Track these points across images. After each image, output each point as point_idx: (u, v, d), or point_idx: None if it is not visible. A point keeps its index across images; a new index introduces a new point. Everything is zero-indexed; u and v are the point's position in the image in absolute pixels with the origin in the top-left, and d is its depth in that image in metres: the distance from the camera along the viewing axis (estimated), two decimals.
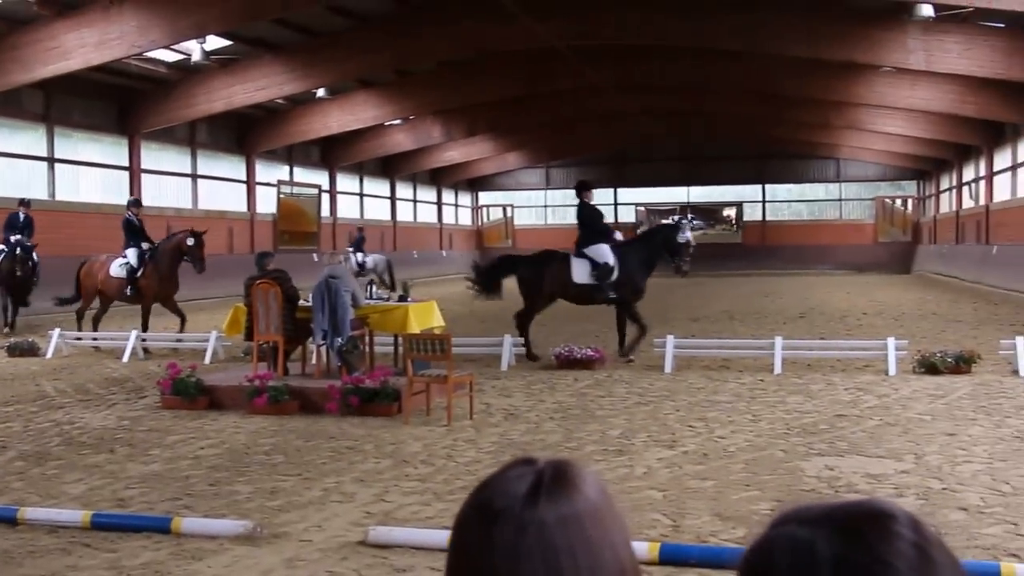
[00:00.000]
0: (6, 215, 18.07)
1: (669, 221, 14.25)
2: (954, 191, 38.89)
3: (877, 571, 0.77)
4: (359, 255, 28.01)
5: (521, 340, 12.66)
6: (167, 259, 14.60)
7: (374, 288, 11.03)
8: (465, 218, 51.23)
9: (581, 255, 12.66)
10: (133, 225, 15.19)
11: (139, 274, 14.56)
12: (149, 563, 4.84)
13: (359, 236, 29.66)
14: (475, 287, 13.48)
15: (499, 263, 13.57)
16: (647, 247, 12.90)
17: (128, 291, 14.62)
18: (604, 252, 12.51)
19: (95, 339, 14.78)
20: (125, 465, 7.08)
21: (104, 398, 10.20)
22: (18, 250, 17.12)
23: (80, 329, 15.16)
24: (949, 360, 10.82)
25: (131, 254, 14.83)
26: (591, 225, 12.88)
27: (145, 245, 14.94)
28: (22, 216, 17.71)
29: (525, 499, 0.91)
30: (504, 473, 0.96)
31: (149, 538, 5.19)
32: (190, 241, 14.53)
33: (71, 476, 6.77)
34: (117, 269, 14.80)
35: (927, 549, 0.80)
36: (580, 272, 12.53)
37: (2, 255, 17.19)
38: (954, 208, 38.45)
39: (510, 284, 13.40)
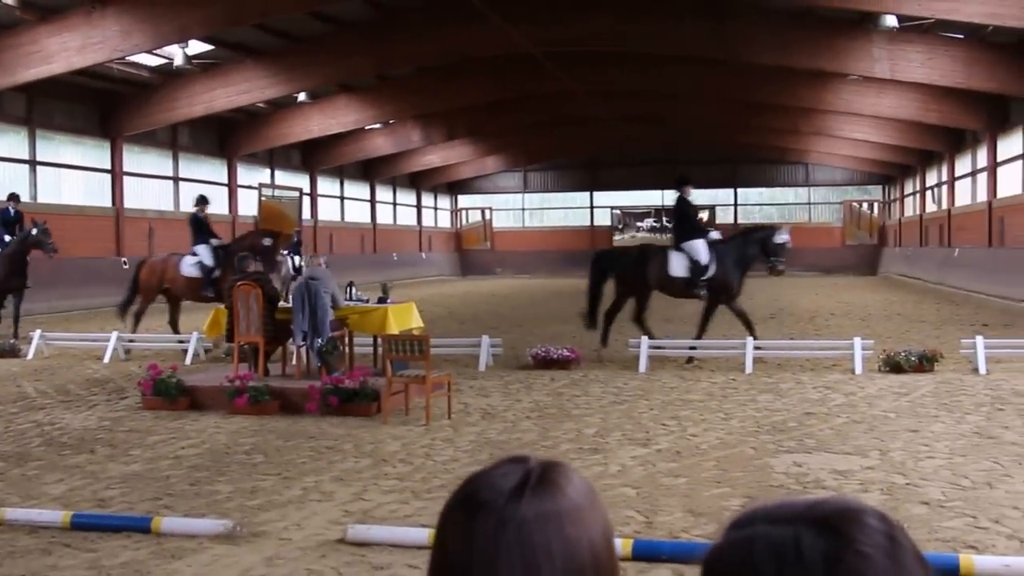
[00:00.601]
0: None
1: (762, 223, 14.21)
2: (918, 195, 39.28)
3: (860, 563, 0.78)
4: (295, 258, 26.57)
5: (495, 342, 12.61)
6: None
7: (354, 290, 10.97)
8: (444, 221, 51.17)
9: (679, 249, 12.65)
10: (201, 222, 14.59)
11: (215, 273, 13.90)
12: (129, 562, 4.79)
13: (297, 240, 27.27)
14: (586, 308, 13.12)
15: (597, 260, 13.31)
16: (743, 247, 12.79)
17: (209, 291, 13.93)
18: (700, 249, 12.48)
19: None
20: (106, 465, 7.00)
21: (85, 399, 10.08)
22: (34, 230, 15.81)
23: (134, 330, 14.34)
24: (913, 359, 10.93)
25: (203, 252, 14.17)
26: (689, 220, 12.92)
27: (215, 242, 14.41)
28: (12, 211, 16.82)
29: (510, 494, 0.91)
30: (494, 468, 0.96)
31: (129, 538, 5.14)
32: (266, 241, 14.08)
33: (51, 477, 6.68)
34: (190, 268, 14.11)
35: (896, 536, 0.81)
36: (678, 266, 12.53)
37: None
38: (918, 212, 38.85)
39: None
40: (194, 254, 14.30)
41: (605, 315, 12.93)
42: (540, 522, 0.90)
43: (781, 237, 12.78)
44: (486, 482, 0.94)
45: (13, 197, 17.22)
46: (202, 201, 15.18)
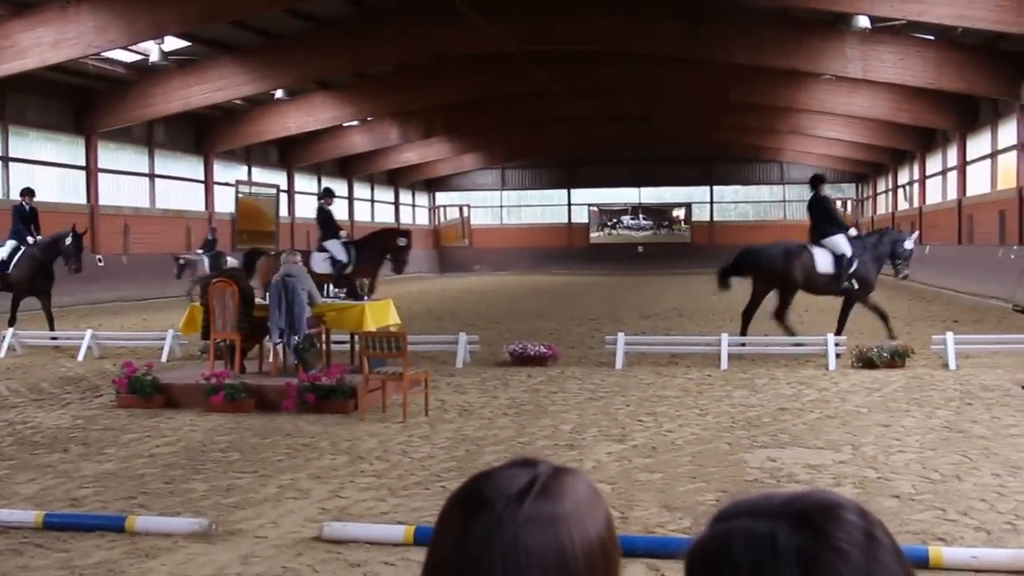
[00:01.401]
0: (11, 208, 15.88)
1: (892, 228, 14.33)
2: (890, 193, 39.64)
3: (835, 559, 0.78)
4: (205, 258, 23.28)
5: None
6: (375, 256, 13.70)
7: (330, 287, 10.91)
8: (422, 218, 51.05)
9: (820, 246, 12.69)
10: (328, 216, 14.12)
11: (348, 269, 13.47)
12: (102, 562, 4.73)
13: (211, 238, 24.73)
14: (720, 282, 13.30)
15: (741, 258, 13.33)
16: (878, 245, 12.94)
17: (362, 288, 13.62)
18: (843, 244, 12.59)
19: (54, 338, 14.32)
20: (79, 464, 6.92)
21: (58, 397, 9.96)
22: (68, 239, 14.87)
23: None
24: (885, 355, 11.01)
25: (334, 247, 13.70)
26: (829, 216, 13.01)
27: (343, 234, 14.03)
28: (27, 207, 15.42)
29: (513, 497, 0.90)
30: (503, 469, 0.95)
31: (102, 537, 5.07)
32: (401, 241, 13.84)
33: (23, 476, 6.59)
34: (321, 264, 13.56)
35: (874, 532, 0.81)
36: (824, 262, 12.60)
37: (19, 253, 14.95)
38: (890, 210, 39.20)
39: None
40: (325, 250, 13.74)
41: (743, 313, 12.98)
42: (536, 527, 0.89)
43: (910, 243, 13.13)
44: (492, 482, 0.93)
45: (27, 192, 15.81)
46: (328, 194, 14.45)
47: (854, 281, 12.56)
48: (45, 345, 14.16)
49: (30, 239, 14.99)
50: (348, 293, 12.80)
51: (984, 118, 26.99)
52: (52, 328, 14.81)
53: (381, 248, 13.98)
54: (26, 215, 15.35)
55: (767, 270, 12.88)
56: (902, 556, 0.83)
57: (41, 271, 14.91)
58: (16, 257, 14.72)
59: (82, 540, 5.04)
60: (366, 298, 10.78)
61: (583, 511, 0.91)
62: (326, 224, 14.21)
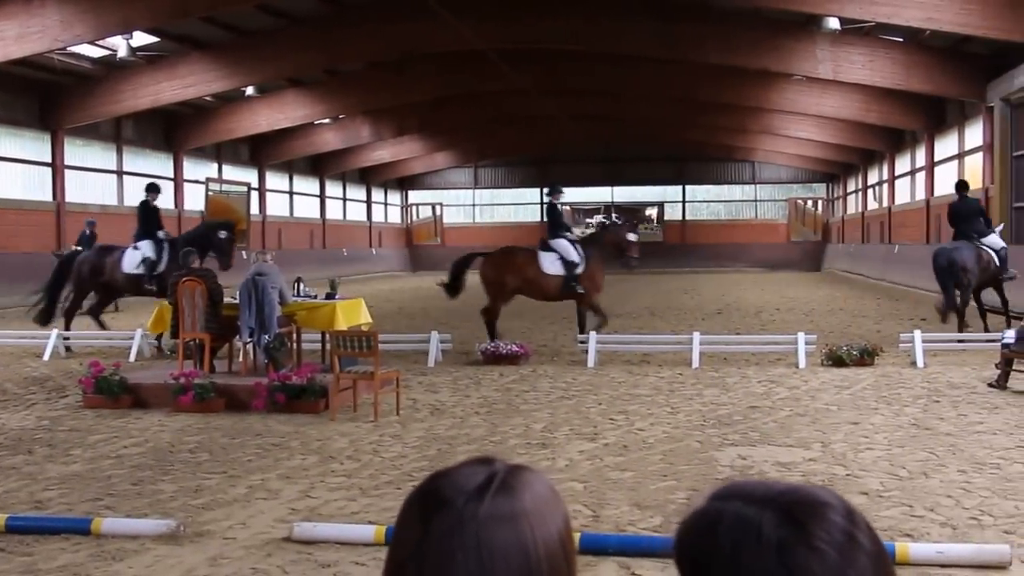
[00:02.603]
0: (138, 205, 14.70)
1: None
2: (860, 193, 40.05)
3: (811, 557, 0.81)
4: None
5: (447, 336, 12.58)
6: (606, 254, 13.30)
7: (302, 285, 10.85)
8: (394, 216, 50.90)
9: (979, 244, 13.50)
10: (558, 213, 13.49)
11: (579, 269, 12.88)
12: (67, 565, 4.66)
13: (88, 232, 20.99)
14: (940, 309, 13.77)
15: (940, 258, 13.53)
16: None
17: (578, 287, 12.84)
18: (998, 240, 13.79)
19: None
20: (44, 466, 6.82)
21: (23, 398, 9.82)
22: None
23: (493, 336, 12.78)
24: (854, 353, 11.13)
25: (564, 247, 13.00)
26: (981, 216, 14.15)
27: (577, 231, 13.59)
28: (151, 205, 14.42)
29: (472, 494, 0.90)
30: (459, 468, 0.95)
31: (68, 540, 5.00)
32: (632, 237, 13.60)
33: None
34: (553, 266, 12.89)
35: (855, 535, 0.84)
36: (992, 257, 13.65)
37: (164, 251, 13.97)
38: (860, 209, 39.61)
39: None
40: (554, 250, 13.11)
41: (956, 311, 13.29)
42: (498, 523, 0.89)
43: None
44: (449, 480, 0.93)
45: (153, 188, 14.51)
46: (556, 191, 13.68)
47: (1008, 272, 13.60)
48: (9, 344, 13.95)
49: (161, 234, 14.00)
50: (576, 294, 12.90)
51: (951, 119, 27.33)
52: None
53: (613, 244, 13.58)
54: (152, 213, 14.25)
55: (951, 265, 13.36)
56: (883, 560, 0.85)
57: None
58: (166, 256, 13.64)
59: (47, 543, 4.97)
60: (336, 296, 10.72)
61: (543, 508, 0.92)
62: (556, 223, 13.49)
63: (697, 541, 0.86)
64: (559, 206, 13.69)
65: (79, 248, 16.60)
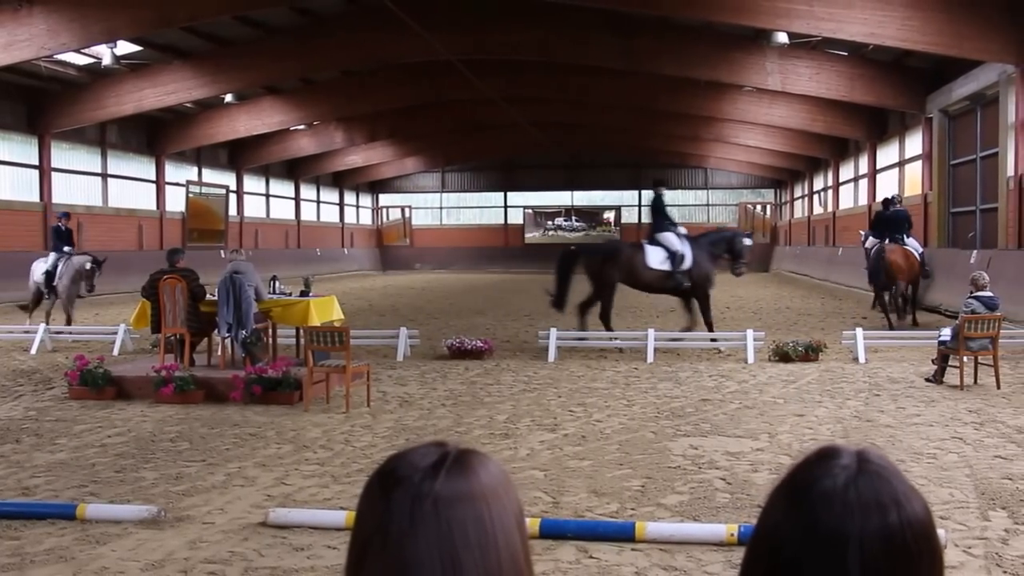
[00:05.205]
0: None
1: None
2: (806, 199, 40.52)
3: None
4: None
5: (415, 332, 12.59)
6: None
7: (277, 283, 10.79)
8: (366, 218, 50.69)
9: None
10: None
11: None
12: (53, 549, 4.63)
13: (63, 226, 16.16)
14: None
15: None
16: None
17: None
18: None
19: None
20: (31, 454, 6.75)
21: (10, 389, 9.69)
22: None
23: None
24: (800, 349, 11.26)
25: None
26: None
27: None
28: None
29: (426, 472, 0.91)
30: (413, 449, 0.96)
31: (54, 525, 4.97)
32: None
33: None
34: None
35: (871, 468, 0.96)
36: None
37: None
38: (806, 214, 40.08)
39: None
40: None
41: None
42: (455, 500, 0.90)
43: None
44: (404, 460, 0.94)
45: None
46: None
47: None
48: None
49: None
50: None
51: (892, 129, 27.75)
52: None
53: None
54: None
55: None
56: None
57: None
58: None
59: (33, 528, 4.93)
60: (310, 294, 10.68)
61: (498, 488, 0.93)
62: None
63: (802, 475, 0.97)
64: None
65: (68, 250, 15.56)
